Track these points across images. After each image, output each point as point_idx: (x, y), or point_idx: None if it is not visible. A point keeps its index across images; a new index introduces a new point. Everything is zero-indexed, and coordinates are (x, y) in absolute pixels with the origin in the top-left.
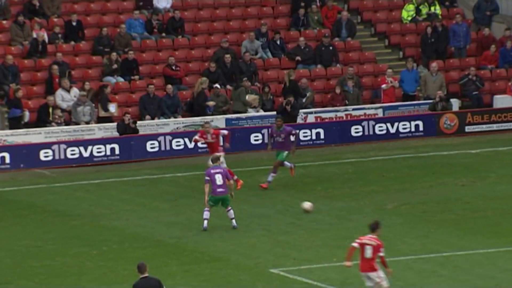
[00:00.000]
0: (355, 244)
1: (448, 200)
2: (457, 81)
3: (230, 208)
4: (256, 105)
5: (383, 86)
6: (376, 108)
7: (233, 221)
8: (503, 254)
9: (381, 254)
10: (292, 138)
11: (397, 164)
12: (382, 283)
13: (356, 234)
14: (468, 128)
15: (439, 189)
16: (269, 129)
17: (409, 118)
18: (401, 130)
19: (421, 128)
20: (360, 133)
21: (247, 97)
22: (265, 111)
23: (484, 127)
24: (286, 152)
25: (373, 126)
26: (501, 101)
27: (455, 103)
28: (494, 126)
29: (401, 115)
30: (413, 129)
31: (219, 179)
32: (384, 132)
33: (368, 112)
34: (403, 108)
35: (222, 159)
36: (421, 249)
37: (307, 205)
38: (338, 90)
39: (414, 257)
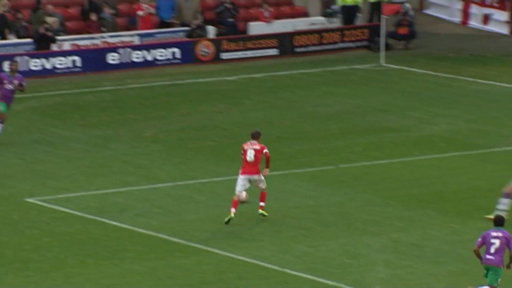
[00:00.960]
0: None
1: (206, 127)
2: (213, 8)
3: None
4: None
5: (140, 12)
6: (132, 36)
7: None
8: None
9: (266, 150)
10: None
11: (155, 92)
12: (260, 185)
13: (114, 161)
14: (224, 55)
15: (196, 116)
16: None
17: (165, 46)
18: (158, 57)
19: (178, 56)
20: (117, 61)
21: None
22: (19, 38)
23: (239, 54)
24: (5, 104)
25: (130, 54)
26: (255, 28)
27: (211, 30)
28: (249, 53)
29: (158, 42)
30: (170, 57)
31: None
32: (141, 59)
33: (124, 39)
34: (159, 36)
35: None
36: (180, 176)
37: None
38: (94, 17)
39: (172, 184)
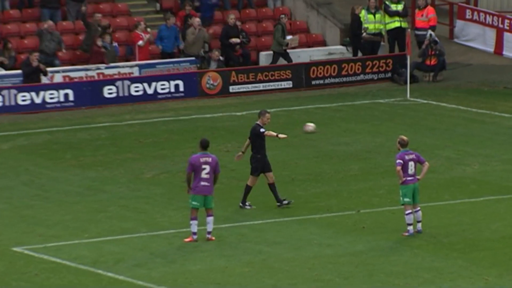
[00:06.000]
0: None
1: None
2: (220, 37)
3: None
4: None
5: (140, 42)
6: (131, 67)
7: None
8: (271, 226)
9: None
10: None
11: (156, 129)
12: None
13: (110, 206)
14: (232, 88)
15: None
16: None
17: (168, 78)
18: (159, 90)
19: (181, 89)
20: (114, 94)
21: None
22: (7, 69)
23: (249, 87)
24: None
25: (129, 87)
26: (267, 58)
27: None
28: (260, 86)
29: (159, 74)
30: (172, 90)
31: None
32: (141, 93)
33: (122, 70)
34: (161, 67)
35: None
36: (183, 222)
37: (309, 127)
38: (99, 43)
39: (174, 231)
